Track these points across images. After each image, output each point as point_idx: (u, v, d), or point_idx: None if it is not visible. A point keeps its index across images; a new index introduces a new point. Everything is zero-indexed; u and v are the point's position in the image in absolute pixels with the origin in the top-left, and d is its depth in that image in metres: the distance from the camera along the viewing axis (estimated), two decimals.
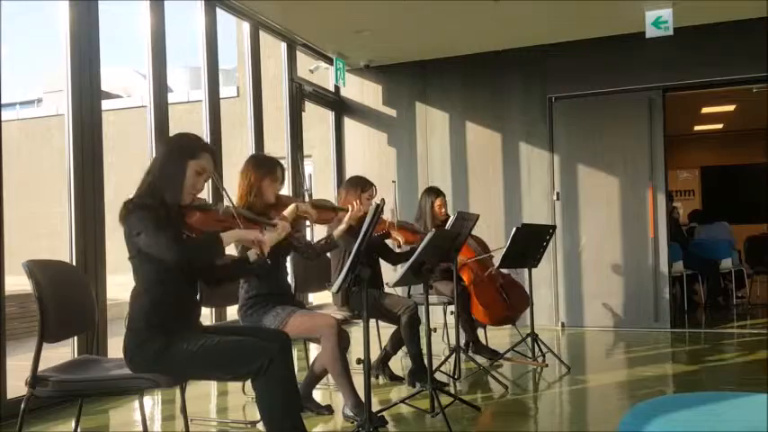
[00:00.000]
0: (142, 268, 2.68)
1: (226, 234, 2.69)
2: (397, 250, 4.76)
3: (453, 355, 4.72)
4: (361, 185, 4.43)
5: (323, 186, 6.35)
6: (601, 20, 6.42)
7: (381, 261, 4.63)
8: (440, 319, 5.72)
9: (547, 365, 5.07)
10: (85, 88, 4.45)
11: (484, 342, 5.40)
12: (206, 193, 5.31)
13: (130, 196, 2.68)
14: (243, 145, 6.31)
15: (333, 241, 3.97)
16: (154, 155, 2.79)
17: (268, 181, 3.65)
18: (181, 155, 2.72)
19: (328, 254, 4.25)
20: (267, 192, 3.64)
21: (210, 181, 5.35)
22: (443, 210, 5.30)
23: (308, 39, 6.92)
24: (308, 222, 3.71)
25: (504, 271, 5.46)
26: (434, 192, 5.38)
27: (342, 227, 3.94)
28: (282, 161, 4.06)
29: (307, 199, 3.90)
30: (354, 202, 4.06)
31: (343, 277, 3.11)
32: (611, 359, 5.86)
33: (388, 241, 4.58)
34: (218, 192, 5.21)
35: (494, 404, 4.20)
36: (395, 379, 4.69)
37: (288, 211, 3.53)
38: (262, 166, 3.69)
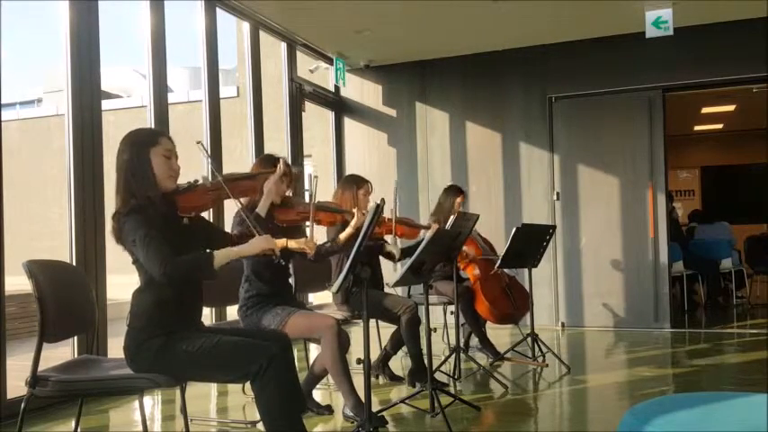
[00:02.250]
0: (144, 269, 2.68)
1: (219, 253, 2.66)
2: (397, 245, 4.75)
3: (453, 355, 4.73)
4: (356, 183, 4.44)
5: (322, 186, 6.35)
6: (601, 20, 6.42)
7: (381, 261, 4.63)
8: (440, 319, 5.72)
9: (547, 365, 5.07)
10: (85, 88, 4.45)
11: None
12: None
13: (116, 210, 2.67)
14: (243, 145, 6.32)
15: (339, 245, 3.98)
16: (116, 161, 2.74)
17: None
18: (139, 148, 2.69)
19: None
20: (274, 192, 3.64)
21: (208, 167, 5.37)
22: (460, 209, 5.32)
23: (308, 39, 6.92)
24: (307, 223, 3.70)
25: (510, 274, 5.49)
26: (456, 190, 5.38)
27: (348, 230, 3.94)
28: None
29: (307, 199, 3.89)
30: (354, 208, 4.07)
31: (344, 277, 3.11)
32: (611, 359, 5.87)
33: (387, 237, 4.58)
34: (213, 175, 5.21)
35: (494, 404, 4.20)
36: (395, 379, 4.69)
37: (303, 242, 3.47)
38: (269, 166, 3.69)
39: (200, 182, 2.83)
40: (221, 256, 2.66)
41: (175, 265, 2.56)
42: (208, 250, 2.74)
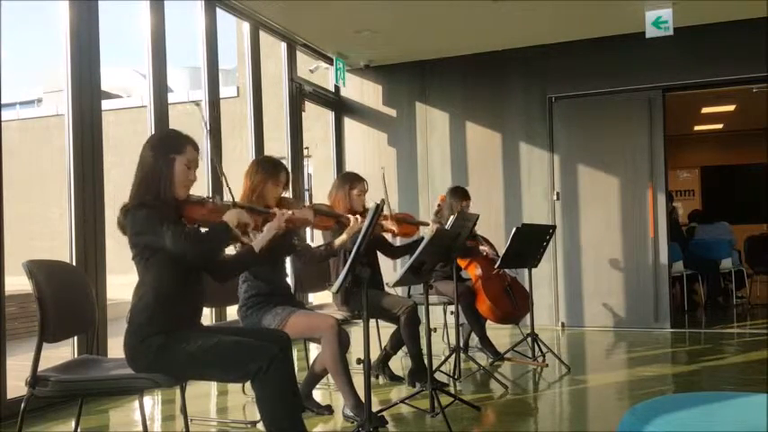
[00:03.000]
0: (145, 267, 2.69)
1: (227, 215, 2.74)
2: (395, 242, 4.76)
3: (453, 355, 4.73)
4: (350, 182, 4.42)
5: (323, 186, 6.37)
6: (601, 20, 6.42)
7: (381, 262, 4.62)
8: (440, 319, 5.72)
9: (547, 365, 5.07)
10: (85, 88, 4.45)
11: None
12: (205, 185, 5.34)
13: (126, 202, 2.70)
14: (243, 145, 6.31)
15: (333, 249, 3.98)
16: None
17: (270, 184, 3.65)
18: (165, 152, 2.74)
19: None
20: (269, 195, 3.64)
21: (210, 173, 5.38)
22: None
23: (308, 39, 6.92)
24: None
25: (511, 275, 5.49)
26: (462, 193, 5.31)
27: (343, 237, 3.95)
28: (282, 161, 4.07)
29: (307, 202, 3.90)
30: (351, 214, 4.08)
31: (343, 277, 3.11)
32: (611, 359, 5.87)
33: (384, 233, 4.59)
34: (216, 184, 5.23)
35: (494, 404, 4.20)
36: (395, 379, 4.69)
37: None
38: (266, 168, 3.70)
39: (213, 200, 2.89)
40: (228, 216, 2.74)
41: (202, 241, 2.65)
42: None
